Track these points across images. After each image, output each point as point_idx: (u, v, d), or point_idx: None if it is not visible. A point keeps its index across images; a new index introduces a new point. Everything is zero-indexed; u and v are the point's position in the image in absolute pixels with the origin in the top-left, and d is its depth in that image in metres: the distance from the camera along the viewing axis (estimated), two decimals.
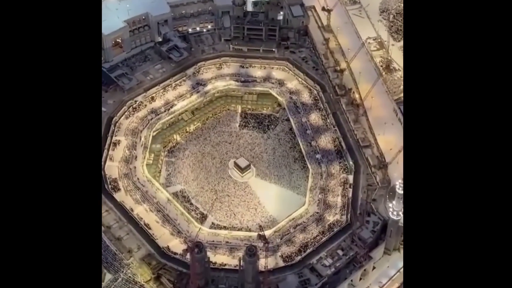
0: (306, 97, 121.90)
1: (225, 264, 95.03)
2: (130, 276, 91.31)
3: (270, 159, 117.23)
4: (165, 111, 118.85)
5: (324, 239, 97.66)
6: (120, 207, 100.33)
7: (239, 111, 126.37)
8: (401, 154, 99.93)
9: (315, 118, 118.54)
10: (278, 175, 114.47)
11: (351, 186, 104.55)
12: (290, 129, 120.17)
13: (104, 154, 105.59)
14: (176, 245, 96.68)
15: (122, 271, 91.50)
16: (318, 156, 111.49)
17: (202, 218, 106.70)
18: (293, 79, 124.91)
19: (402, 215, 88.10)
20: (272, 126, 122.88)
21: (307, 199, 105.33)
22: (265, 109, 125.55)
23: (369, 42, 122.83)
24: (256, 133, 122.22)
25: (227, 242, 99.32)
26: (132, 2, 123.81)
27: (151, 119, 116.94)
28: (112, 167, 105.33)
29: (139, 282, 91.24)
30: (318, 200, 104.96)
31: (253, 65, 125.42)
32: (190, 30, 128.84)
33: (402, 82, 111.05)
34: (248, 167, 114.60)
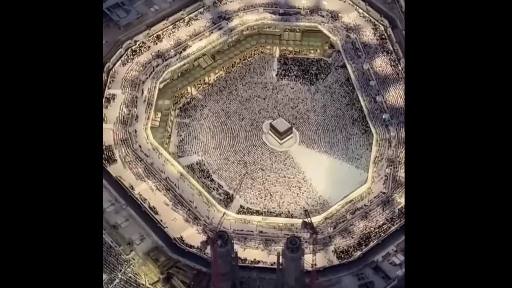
0: (369, 35, 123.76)
1: (259, 262, 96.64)
2: (130, 277, 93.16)
3: (320, 121, 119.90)
4: (175, 54, 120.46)
5: (393, 228, 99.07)
6: (116, 184, 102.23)
7: (277, 54, 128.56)
8: None
9: (381, 64, 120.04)
10: (330, 142, 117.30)
11: None
12: (347, 79, 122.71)
13: None
14: (192, 236, 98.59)
15: (120, 270, 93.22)
16: (385, 116, 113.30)
17: (227, 200, 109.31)
18: (351, 10, 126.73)
19: None
20: (322, 75, 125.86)
21: (369, 174, 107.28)
22: (312, 52, 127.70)
23: None
24: (300, 85, 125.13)
25: (260, 232, 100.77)
26: None
27: (157, 65, 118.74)
28: (105, 131, 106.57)
29: (142, 284, 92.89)
30: (385, 176, 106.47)
31: None
32: None
33: None
34: (289, 131, 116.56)
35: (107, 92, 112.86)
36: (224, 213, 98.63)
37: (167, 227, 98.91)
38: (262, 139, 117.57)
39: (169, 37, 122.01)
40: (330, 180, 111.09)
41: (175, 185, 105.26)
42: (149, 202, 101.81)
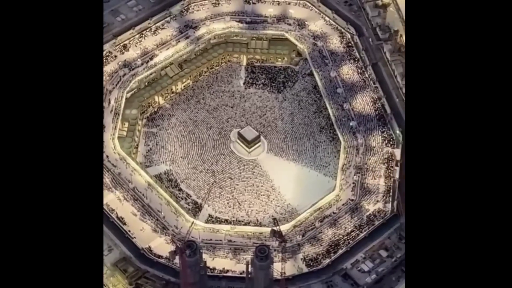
0: (336, 43, 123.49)
1: (228, 271, 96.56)
2: None
3: (287, 128, 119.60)
4: (142, 64, 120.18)
5: (361, 235, 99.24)
6: None
7: (244, 63, 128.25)
8: None
9: (348, 71, 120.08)
10: (298, 149, 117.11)
11: (398, 164, 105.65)
12: (315, 87, 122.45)
13: None
14: (161, 246, 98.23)
15: None
16: (352, 123, 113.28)
17: (196, 209, 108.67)
18: (318, 18, 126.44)
19: None
20: (290, 83, 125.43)
21: (338, 182, 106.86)
22: (279, 60, 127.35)
23: None
24: (268, 93, 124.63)
25: (229, 241, 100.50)
26: None
27: (124, 75, 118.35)
28: None
29: None
30: (353, 183, 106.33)
31: None
32: None
33: None
34: (257, 139, 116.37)
35: None
36: (192, 223, 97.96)
37: (135, 237, 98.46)
38: (230, 147, 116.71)
39: (136, 46, 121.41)
40: (298, 188, 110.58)
41: (143, 195, 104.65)
42: (116, 213, 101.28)
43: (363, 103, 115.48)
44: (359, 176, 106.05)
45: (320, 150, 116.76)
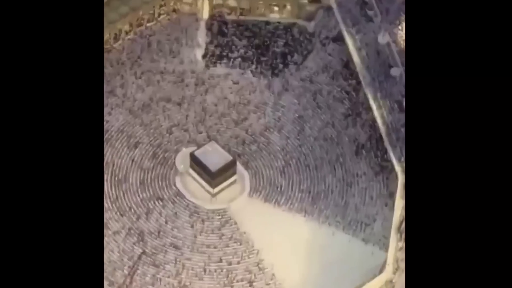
0: None
1: None
2: None
3: (291, 146, 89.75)
4: None
5: None
6: None
7: (205, 15, 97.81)
8: None
9: None
10: (313, 191, 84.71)
11: None
12: (345, 64, 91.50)
13: None
14: None
15: None
16: None
17: None
18: None
19: None
20: (296, 56, 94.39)
21: (390, 254, 79.37)
22: (276, 9, 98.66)
23: None
24: (253, 75, 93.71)
25: None
26: None
27: None
28: None
29: None
30: None
31: None
32: None
33: None
34: (229, 168, 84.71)
35: None
36: None
37: None
38: (175, 185, 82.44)
39: None
40: (312, 267, 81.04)
41: None
42: None
43: None
44: None
45: (355, 191, 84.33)
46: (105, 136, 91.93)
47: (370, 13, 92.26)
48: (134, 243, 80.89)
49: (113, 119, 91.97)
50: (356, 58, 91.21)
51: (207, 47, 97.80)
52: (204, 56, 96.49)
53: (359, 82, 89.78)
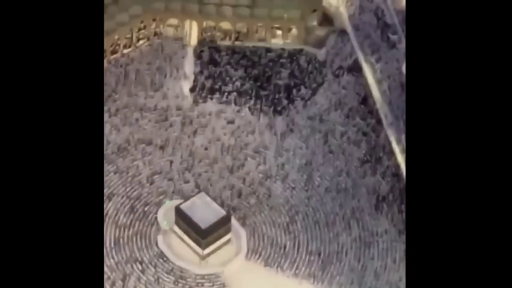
0: None
1: None
2: None
3: (297, 199, 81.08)
4: None
5: None
6: None
7: (194, 40, 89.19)
8: None
9: None
10: (325, 254, 76.30)
11: None
12: (363, 99, 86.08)
13: None
14: None
15: None
16: None
17: None
18: None
19: None
20: (303, 90, 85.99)
21: None
22: (279, 35, 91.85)
23: None
24: (250, 113, 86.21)
25: None
26: None
27: None
28: None
29: None
30: None
31: None
32: None
33: None
34: (222, 225, 76.06)
35: None
36: None
37: None
38: (156, 245, 73.58)
39: None
40: None
41: None
42: None
43: None
44: None
45: (375, 253, 74.80)
46: None
47: (393, 38, 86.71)
48: None
49: None
50: (375, 92, 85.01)
51: (196, 78, 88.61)
52: (192, 90, 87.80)
53: (379, 121, 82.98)
